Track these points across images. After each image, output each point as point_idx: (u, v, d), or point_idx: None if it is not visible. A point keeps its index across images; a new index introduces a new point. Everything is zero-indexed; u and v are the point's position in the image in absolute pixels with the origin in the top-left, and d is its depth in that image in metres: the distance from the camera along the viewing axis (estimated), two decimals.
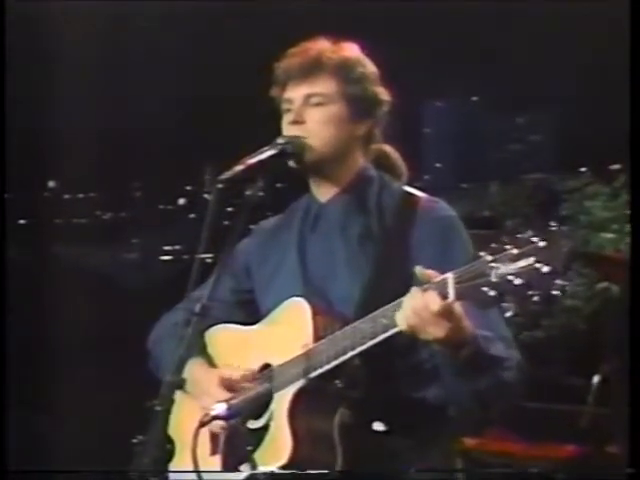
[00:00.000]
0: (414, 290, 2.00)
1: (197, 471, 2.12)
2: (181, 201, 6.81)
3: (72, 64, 5.18)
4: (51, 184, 6.68)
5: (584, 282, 4.90)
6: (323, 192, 2.37)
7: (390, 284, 2.17)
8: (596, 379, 3.95)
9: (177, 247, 6.66)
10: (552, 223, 1.89)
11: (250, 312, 2.43)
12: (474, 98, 9.03)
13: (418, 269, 2.02)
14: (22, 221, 5.98)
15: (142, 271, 6.43)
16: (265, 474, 2.15)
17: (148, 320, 2.59)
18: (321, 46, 2.33)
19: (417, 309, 1.98)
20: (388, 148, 2.42)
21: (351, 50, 2.36)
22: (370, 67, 2.37)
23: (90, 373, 5.39)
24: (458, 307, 2.00)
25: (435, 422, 2.22)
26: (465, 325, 2.03)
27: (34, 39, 4.80)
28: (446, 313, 1.98)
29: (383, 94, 2.36)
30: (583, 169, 5.73)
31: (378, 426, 2.17)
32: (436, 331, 1.98)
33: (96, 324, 5.65)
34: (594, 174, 5.54)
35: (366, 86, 2.33)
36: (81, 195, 6.70)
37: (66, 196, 6.72)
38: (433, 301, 1.97)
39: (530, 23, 5.41)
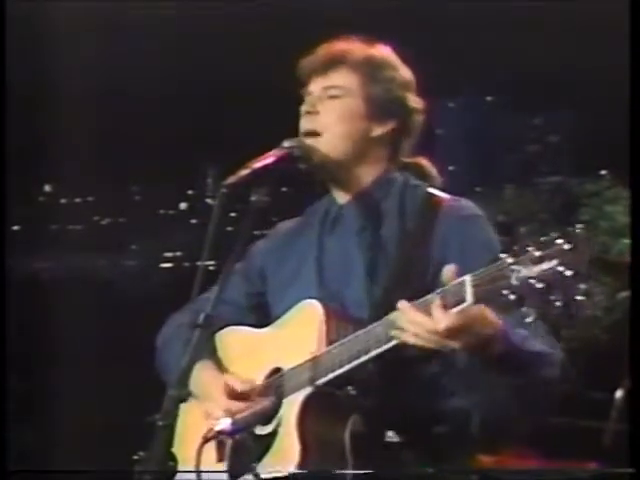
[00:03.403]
0: (412, 312, 1.96)
1: (199, 471, 2.13)
2: (182, 206, 6.83)
3: (72, 64, 5.19)
4: (47, 188, 6.69)
5: (604, 291, 4.88)
6: (341, 193, 2.36)
7: (408, 288, 2.16)
8: (619, 393, 3.92)
9: (178, 254, 6.66)
10: (578, 225, 1.86)
11: (262, 316, 2.43)
12: (489, 98, 9.03)
13: (446, 269, 1.99)
14: (15, 227, 5.98)
15: (142, 279, 6.43)
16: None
17: (147, 330, 2.59)
18: (350, 44, 2.34)
19: (422, 333, 1.96)
20: (424, 161, 2.40)
21: (382, 51, 2.35)
22: (403, 72, 2.35)
23: (88, 384, 5.39)
24: (475, 310, 1.96)
25: (452, 435, 2.20)
26: (489, 321, 1.99)
27: (34, 39, 4.82)
28: (458, 327, 1.95)
29: (413, 101, 2.33)
30: (603, 172, 5.71)
31: (392, 436, 2.15)
32: (453, 343, 1.96)
33: (94, 333, 5.65)
34: (615, 177, 5.52)
35: (391, 88, 2.31)
36: (78, 200, 6.71)
37: (62, 201, 6.73)
38: (441, 320, 1.93)
39: (547, 23, 5.41)
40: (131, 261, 6.70)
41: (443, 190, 2.34)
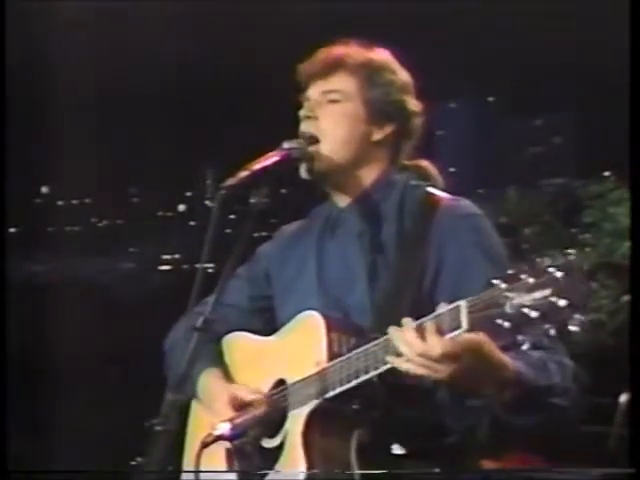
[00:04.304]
0: (408, 334, 1.95)
1: (198, 471, 2.13)
2: (181, 208, 6.82)
3: (70, 66, 5.19)
4: (44, 190, 6.69)
5: (609, 294, 4.88)
6: (342, 197, 2.36)
7: (409, 293, 2.16)
8: (623, 398, 3.91)
9: (177, 256, 6.66)
10: (571, 251, 1.84)
11: (268, 320, 2.43)
12: (490, 99, 9.03)
13: (441, 306, 1.99)
14: (12, 229, 5.97)
15: (140, 281, 6.43)
16: None
17: (145, 332, 2.59)
18: (348, 48, 2.34)
19: (415, 358, 1.95)
20: (425, 163, 2.39)
21: (380, 54, 2.35)
22: (402, 75, 2.35)
23: (86, 386, 5.39)
24: (471, 337, 1.94)
25: (458, 445, 2.20)
26: (485, 350, 1.98)
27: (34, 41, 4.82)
28: (452, 353, 1.93)
29: (412, 104, 2.33)
30: (607, 173, 5.71)
31: (397, 449, 2.15)
32: (446, 370, 1.95)
33: (92, 337, 5.65)
34: (619, 179, 5.51)
35: (390, 91, 2.31)
36: (76, 201, 6.71)
37: (59, 202, 6.73)
38: (434, 345, 1.93)
39: (550, 22, 5.42)
40: (129, 263, 6.69)
41: (444, 191, 2.33)
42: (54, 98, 5.42)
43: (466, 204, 2.27)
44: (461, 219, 2.23)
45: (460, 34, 5.48)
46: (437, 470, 2.15)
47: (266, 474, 2.20)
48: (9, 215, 4.70)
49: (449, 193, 2.34)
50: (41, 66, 5.21)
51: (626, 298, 4.79)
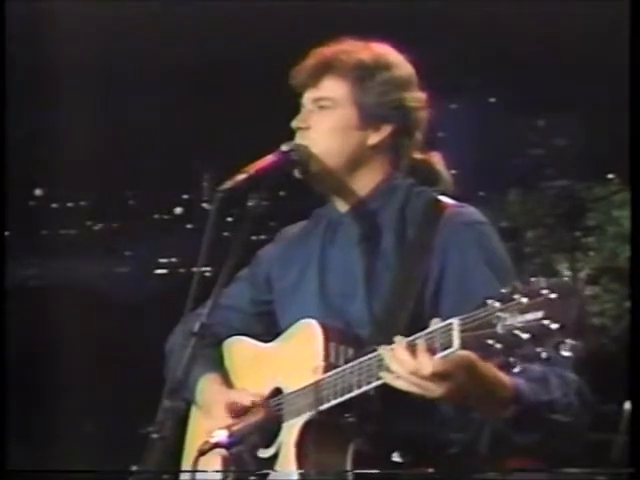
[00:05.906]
0: (400, 353, 1.94)
1: (195, 471, 2.14)
2: (178, 210, 6.81)
3: (69, 66, 5.19)
4: (37, 192, 6.68)
5: (612, 299, 4.87)
6: (341, 202, 2.35)
7: (410, 303, 2.15)
8: (628, 405, 3.90)
9: (173, 260, 6.65)
10: (566, 273, 1.84)
11: (270, 325, 2.42)
12: (491, 99, 9.02)
13: (434, 322, 1.98)
14: (6, 233, 5.96)
15: (136, 286, 6.42)
16: None
17: (142, 336, 2.58)
18: (341, 47, 2.30)
19: (406, 376, 1.94)
20: (436, 158, 2.37)
21: (375, 51, 2.31)
22: (400, 70, 2.29)
23: (83, 390, 5.39)
24: (465, 360, 1.93)
25: (457, 456, 2.20)
26: (495, 380, 1.97)
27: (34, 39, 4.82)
28: (442, 373, 1.93)
29: (412, 100, 2.29)
30: (611, 176, 5.71)
31: (397, 457, 2.15)
32: (436, 389, 1.94)
33: (88, 342, 5.64)
34: (623, 181, 5.51)
35: (386, 91, 2.27)
36: (70, 204, 6.70)
37: (54, 205, 6.72)
38: (425, 364, 1.92)
39: (552, 21, 5.42)
40: (125, 267, 6.68)
41: (450, 196, 2.32)
42: (52, 98, 5.42)
43: (471, 211, 2.25)
44: (465, 227, 2.22)
45: (460, 34, 5.49)
46: (432, 470, 2.14)
47: (262, 478, 2.20)
48: (2, 218, 4.68)
49: (451, 195, 2.33)
50: (40, 67, 5.21)
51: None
